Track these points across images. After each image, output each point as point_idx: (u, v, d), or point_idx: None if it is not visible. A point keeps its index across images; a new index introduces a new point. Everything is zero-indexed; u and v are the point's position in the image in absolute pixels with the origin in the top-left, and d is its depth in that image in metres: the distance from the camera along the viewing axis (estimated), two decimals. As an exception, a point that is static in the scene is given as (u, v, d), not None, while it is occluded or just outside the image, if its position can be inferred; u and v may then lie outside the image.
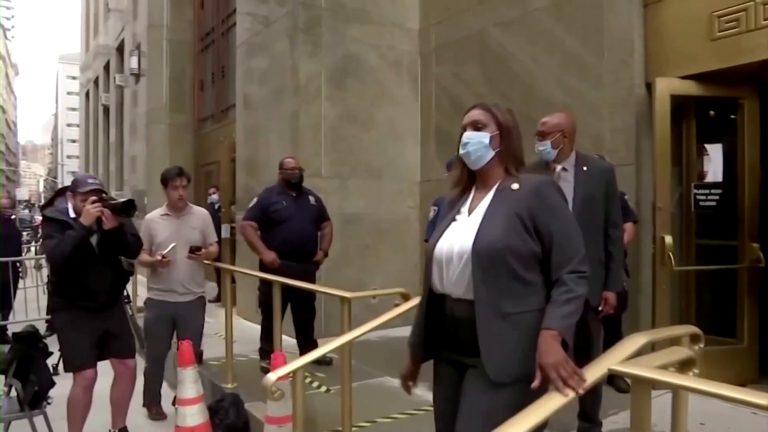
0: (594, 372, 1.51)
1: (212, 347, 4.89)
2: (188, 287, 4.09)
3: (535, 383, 1.58)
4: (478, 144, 1.84)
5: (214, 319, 5.70)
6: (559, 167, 3.01)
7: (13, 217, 8.80)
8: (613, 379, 3.74)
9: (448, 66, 6.12)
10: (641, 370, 1.38)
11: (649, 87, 4.20)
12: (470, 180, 1.95)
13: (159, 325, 4.08)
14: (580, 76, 4.68)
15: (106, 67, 17.88)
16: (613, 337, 3.38)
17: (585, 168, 2.97)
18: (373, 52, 6.26)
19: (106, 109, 18.37)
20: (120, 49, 15.42)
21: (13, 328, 5.45)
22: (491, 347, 1.69)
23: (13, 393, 3.42)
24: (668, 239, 3.92)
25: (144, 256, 3.96)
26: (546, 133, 3.01)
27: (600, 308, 2.95)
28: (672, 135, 4.06)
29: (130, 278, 3.99)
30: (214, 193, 8.57)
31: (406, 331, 2.07)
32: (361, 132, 6.18)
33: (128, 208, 3.40)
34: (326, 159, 5.95)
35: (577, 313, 1.67)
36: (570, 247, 1.74)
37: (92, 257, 3.40)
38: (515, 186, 1.80)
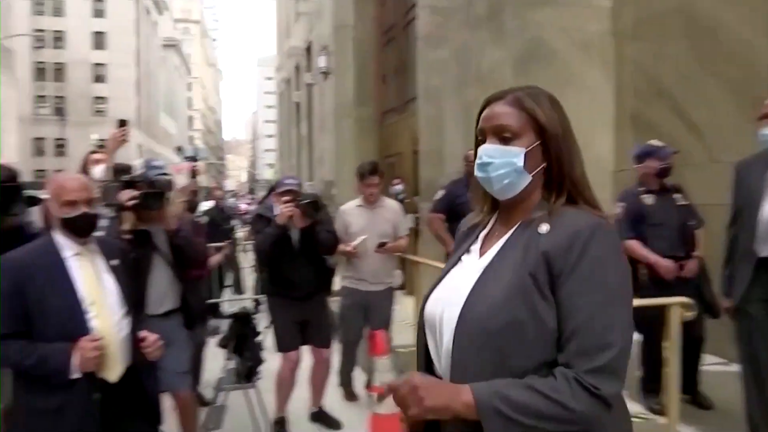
0: None
1: (398, 334, 5.03)
2: (379, 277, 4.26)
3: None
4: (505, 166, 1.19)
5: (399, 305, 5.88)
6: None
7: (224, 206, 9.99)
8: None
9: (647, 45, 5.55)
10: None
11: None
12: (493, 204, 1.31)
13: (353, 312, 4.29)
14: (819, 46, 3.96)
15: (297, 68, 19.40)
16: None
17: None
18: (560, 35, 5.90)
19: (298, 106, 19.95)
20: (308, 49, 16.59)
21: (223, 306, 6.15)
22: None
23: (230, 366, 3.84)
24: None
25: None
26: None
27: None
28: None
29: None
30: (398, 183, 8.83)
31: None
32: (547, 120, 5.89)
33: (311, 208, 3.60)
34: (510, 149, 5.77)
35: (537, 423, 1.03)
36: (597, 337, 1.07)
37: (292, 252, 3.68)
38: (543, 228, 1.15)
